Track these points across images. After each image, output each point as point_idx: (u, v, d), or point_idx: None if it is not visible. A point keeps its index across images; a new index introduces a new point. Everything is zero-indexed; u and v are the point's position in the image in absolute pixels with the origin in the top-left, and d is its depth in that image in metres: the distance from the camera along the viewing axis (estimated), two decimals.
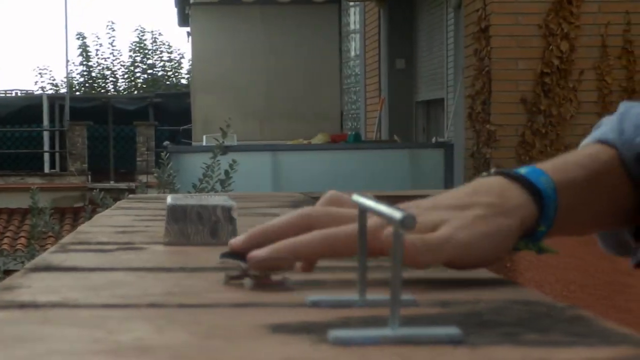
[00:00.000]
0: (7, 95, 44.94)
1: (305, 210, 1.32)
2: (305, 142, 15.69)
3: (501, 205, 1.16)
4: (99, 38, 72.01)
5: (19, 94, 45.27)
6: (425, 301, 1.84)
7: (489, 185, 1.21)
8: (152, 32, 64.38)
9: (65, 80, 49.71)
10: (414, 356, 1.50)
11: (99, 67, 59.20)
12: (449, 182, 13.03)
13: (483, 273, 2.63)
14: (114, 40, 72.90)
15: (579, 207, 1.23)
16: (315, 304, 1.79)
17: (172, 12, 27.46)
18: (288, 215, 1.33)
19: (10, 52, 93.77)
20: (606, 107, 12.07)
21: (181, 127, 27.40)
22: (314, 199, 5.78)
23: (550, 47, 11.84)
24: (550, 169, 1.23)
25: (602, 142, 1.30)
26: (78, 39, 60.15)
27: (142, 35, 61.79)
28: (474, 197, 1.18)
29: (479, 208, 1.16)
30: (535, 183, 1.18)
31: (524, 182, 1.18)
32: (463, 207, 1.17)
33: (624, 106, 1.32)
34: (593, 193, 1.25)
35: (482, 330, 1.65)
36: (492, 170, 1.27)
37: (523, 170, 1.22)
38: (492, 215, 1.15)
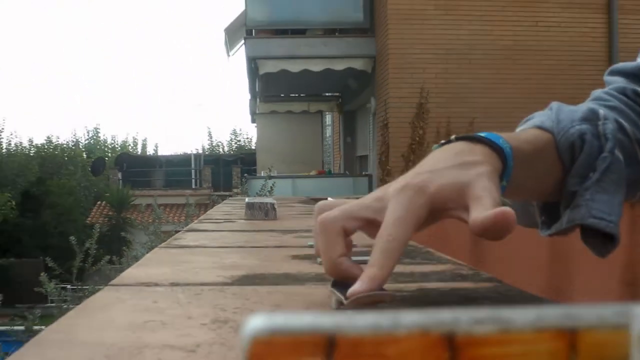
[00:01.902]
0: (176, 154, 45.76)
1: (323, 219, 0.75)
2: (307, 174, 15.66)
3: (492, 166, 0.73)
4: (212, 130, 73.03)
5: (180, 154, 46.01)
6: (364, 250, 1.83)
7: (469, 149, 0.75)
8: (240, 127, 65.77)
9: (201, 147, 50.59)
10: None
11: (216, 141, 59.41)
12: (370, 191, 12.84)
13: None
14: (221, 131, 73.93)
15: (520, 175, 0.80)
16: (312, 246, 1.78)
17: (248, 117, 27.56)
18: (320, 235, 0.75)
19: (178, 137, 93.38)
20: None
21: (252, 167, 27.42)
22: (312, 199, 5.66)
23: (415, 131, 11.62)
24: (504, 136, 0.80)
25: (540, 128, 0.89)
26: (208, 130, 61.52)
27: (236, 128, 63.29)
28: (467, 157, 0.72)
29: (482, 166, 0.72)
30: (501, 146, 0.76)
31: (488, 142, 0.76)
32: (467, 166, 0.71)
33: (555, 104, 0.93)
34: (532, 166, 0.84)
35: None
36: (453, 137, 0.80)
37: (482, 134, 0.79)
38: (493, 173, 0.72)
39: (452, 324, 0.22)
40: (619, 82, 1.09)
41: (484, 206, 0.67)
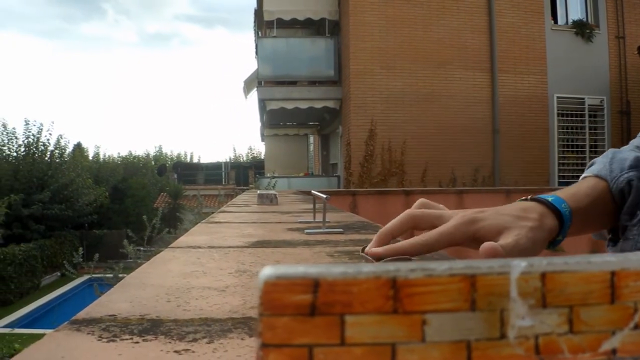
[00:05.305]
0: (212, 162, 44.92)
1: (410, 211, 0.67)
2: (297, 175, 15.56)
3: (541, 224, 0.65)
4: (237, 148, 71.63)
5: (215, 162, 45.19)
6: (334, 224, 1.81)
7: (532, 208, 0.67)
8: (254, 144, 65.27)
9: (229, 157, 50.00)
10: (331, 237, 1.47)
11: (238, 153, 58.85)
12: (338, 186, 12.85)
13: (350, 217, 2.56)
14: (241, 146, 72.65)
15: (581, 222, 0.72)
16: (303, 222, 1.75)
17: (259, 137, 27.07)
18: (399, 216, 0.66)
19: (214, 150, 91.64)
20: (390, 172, 11.51)
21: (262, 171, 27.01)
22: (301, 192, 5.58)
23: (367, 147, 11.49)
24: (569, 198, 0.72)
25: (598, 176, 0.79)
26: (233, 147, 61.04)
27: (251, 145, 62.66)
28: (526, 213, 0.66)
29: (530, 222, 0.64)
30: (559, 210, 0.68)
31: (552, 209, 0.68)
32: (520, 219, 0.64)
33: (611, 152, 0.84)
34: (591, 213, 0.75)
35: (348, 230, 1.63)
36: (529, 197, 0.71)
37: (550, 198, 0.70)
38: (537, 229, 0.64)
39: (395, 272, 0.22)
40: None
41: (503, 239, 0.62)
